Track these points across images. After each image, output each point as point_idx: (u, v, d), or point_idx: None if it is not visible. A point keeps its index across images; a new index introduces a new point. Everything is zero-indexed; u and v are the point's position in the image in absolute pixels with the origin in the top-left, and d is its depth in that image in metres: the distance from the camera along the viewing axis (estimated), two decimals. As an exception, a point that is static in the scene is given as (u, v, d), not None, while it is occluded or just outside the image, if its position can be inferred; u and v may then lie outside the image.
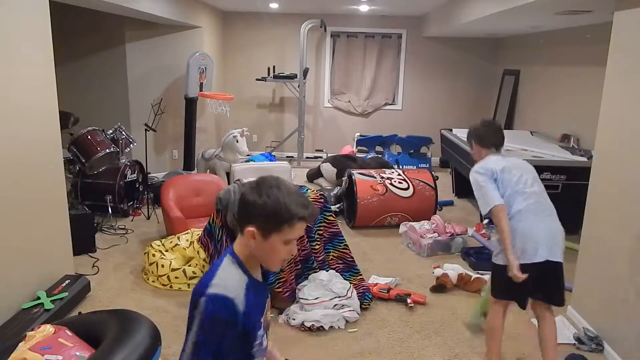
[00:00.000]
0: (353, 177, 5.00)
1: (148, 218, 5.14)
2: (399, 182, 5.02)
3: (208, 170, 6.02)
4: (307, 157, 7.88)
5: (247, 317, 1.26)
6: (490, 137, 2.65)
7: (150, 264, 3.69)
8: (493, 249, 2.63)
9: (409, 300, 3.42)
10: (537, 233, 2.44)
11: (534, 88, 6.46)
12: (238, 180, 3.69)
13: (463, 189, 6.04)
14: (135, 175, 5.20)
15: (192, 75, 6.06)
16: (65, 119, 4.91)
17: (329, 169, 6.36)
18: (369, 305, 3.39)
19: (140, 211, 5.27)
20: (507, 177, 2.51)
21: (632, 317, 2.72)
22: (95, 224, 4.53)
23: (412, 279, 3.89)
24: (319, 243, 3.43)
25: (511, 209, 2.48)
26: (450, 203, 5.95)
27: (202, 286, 1.25)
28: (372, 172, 5.18)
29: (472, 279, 3.70)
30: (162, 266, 3.63)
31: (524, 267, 2.42)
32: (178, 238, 3.86)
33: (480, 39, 7.73)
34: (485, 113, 7.87)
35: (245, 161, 6.25)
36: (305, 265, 3.38)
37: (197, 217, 4.36)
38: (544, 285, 2.51)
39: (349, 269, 3.53)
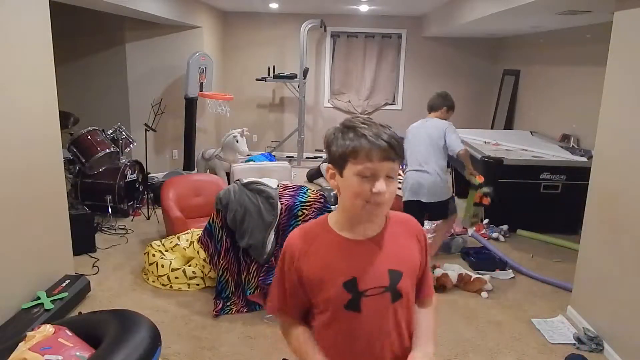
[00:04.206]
0: (353, 177, 5.00)
1: (148, 218, 5.15)
2: (399, 182, 5.02)
3: (208, 170, 6.02)
4: (307, 157, 7.88)
5: None
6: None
7: (150, 264, 3.69)
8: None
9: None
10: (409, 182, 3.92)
11: (534, 88, 6.46)
12: (238, 180, 3.67)
13: (463, 189, 6.04)
14: (135, 175, 5.20)
15: (192, 75, 6.06)
16: (65, 119, 4.91)
17: (329, 169, 6.35)
18: (369, 305, 3.38)
19: (140, 211, 5.27)
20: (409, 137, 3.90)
21: (632, 317, 2.72)
22: (95, 224, 4.53)
23: (412, 279, 3.89)
24: (319, 243, 3.42)
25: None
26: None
27: None
28: (372, 172, 5.18)
29: (472, 279, 3.70)
30: (162, 266, 3.63)
31: (409, 203, 3.88)
32: (178, 238, 3.86)
33: (480, 39, 7.73)
34: (485, 113, 7.88)
35: (245, 161, 6.25)
36: (305, 265, 3.37)
37: (197, 217, 4.36)
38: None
39: (349, 269, 3.52)
